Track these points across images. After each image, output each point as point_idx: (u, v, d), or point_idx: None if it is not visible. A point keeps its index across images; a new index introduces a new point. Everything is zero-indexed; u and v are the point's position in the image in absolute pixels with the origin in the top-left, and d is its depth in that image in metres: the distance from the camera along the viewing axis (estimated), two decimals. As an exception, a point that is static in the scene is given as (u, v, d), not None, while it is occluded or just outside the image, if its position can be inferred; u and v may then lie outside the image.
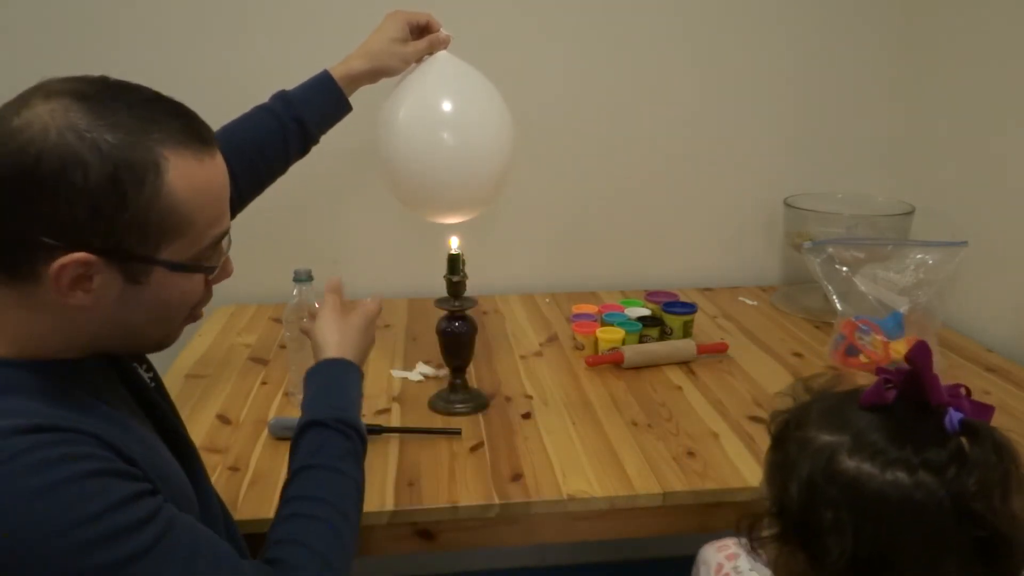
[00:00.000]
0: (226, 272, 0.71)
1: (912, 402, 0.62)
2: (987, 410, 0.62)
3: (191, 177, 0.62)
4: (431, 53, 1.14)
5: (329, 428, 0.78)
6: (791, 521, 0.63)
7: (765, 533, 0.66)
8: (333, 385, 0.85)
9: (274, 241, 1.56)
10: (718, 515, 0.99)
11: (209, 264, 0.67)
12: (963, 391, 0.63)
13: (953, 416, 0.60)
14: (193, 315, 0.70)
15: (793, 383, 0.73)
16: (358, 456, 0.79)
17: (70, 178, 0.56)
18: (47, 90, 0.59)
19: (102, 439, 0.59)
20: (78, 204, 0.57)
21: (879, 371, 0.65)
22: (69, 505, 0.54)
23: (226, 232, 0.68)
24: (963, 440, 0.60)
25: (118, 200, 0.58)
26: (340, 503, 0.74)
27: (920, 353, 0.62)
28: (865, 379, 0.67)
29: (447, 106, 1.10)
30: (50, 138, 0.56)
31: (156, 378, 0.80)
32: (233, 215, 1.05)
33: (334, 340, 0.89)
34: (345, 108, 1.13)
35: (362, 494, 0.78)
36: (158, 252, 0.62)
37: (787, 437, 0.66)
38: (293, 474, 0.76)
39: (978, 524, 0.57)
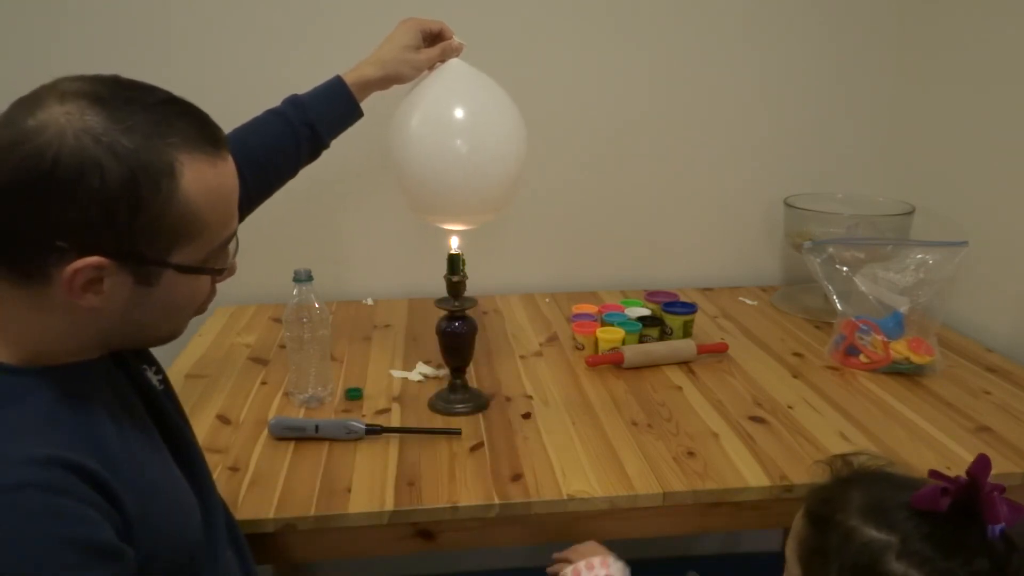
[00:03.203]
0: (230, 271, 0.71)
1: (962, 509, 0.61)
2: (1018, 509, 0.61)
3: (204, 180, 0.62)
4: (443, 60, 1.14)
5: None
6: None
7: None
8: None
9: (274, 241, 1.56)
10: (718, 515, 0.99)
11: (218, 266, 0.68)
12: (1002, 492, 0.62)
13: (996, 526, 0.60)
14: (199, 310, 0.71)
15: (831, 457, 0.74)
16: None
17: (87, 182, 0.56)
18: (61, 91, 0.59)
19: (97, 477, 0.58)
20: (94, 208, 0.57)
21: (933, 475, 0.64)
22: (41, 566, 0.53)
23: (234, 233, 0.69)
24: (1001, 547, 0.60)
25: (134, 204, 0.58)
26: None
27: (981, 468, 0.61)
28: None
29: (460, 113, 1.10)
30: (67, 142, 0.56)
31: (165, 380, 0.80)
32: (242, 218, 1.06)
33: None
34: (357, 114, 1.13)
35: None
36: (169, 255, 0.62)
37: (828, 520, 0.66)
38: None
39: None
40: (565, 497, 0.95)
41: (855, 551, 0.62)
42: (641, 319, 1.38)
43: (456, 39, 1.15)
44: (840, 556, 0.62)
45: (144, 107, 0.60)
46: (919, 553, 0.60)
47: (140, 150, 0.58)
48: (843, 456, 0.73)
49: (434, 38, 1.14)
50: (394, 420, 1.13)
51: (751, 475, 0.99)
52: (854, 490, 0.67)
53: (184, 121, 0.62)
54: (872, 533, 0.62)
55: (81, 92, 0.59)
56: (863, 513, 0.64)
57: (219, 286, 0.71)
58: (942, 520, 0.61)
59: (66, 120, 0.57)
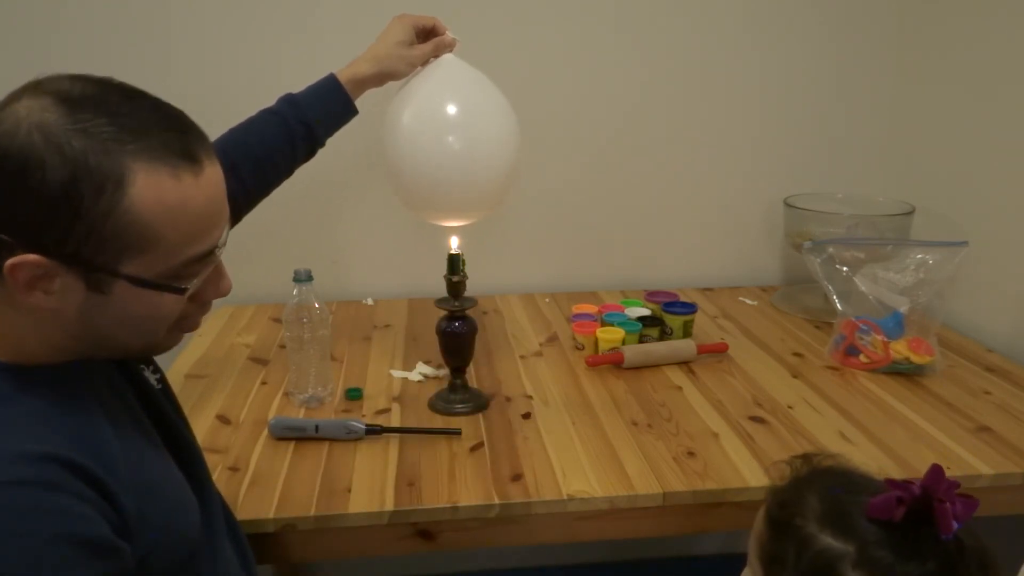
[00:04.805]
0: (220, 290, 0.69)
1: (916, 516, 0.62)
2: (972, 505, 0.62)
3: (161, 194, 0.58)
4: (437, 56, 1.15)
5: None
6: None
7: None
8: None
9: (274, 241, 1.56)
10: (718, 515, 0.98)
11: (181, 284, 0.63)
12: (955, 490, 0.63)
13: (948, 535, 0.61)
14: (184, 327, 0.68)
15: (791, 457, 0.74)
16: None
17: (28, 178, 0.55)
18: (39, 87, 0.58)
19: (92, 474, 0.58)
20: (34, 206, 0.56)
21: (890, 483, 0.65)
22: (35, 562, 0.53)
23: (209, 252, 0.64)
24: (953, 547, 0.61)
25: (73, 207, 0.56)
26: None
27: (935, 480, 0.62)
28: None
29: (452, 109, 1.10)
30: (19, 136, 0.55)
31: (163, 380, 0.80)
32: (239, 218, 1.07)
33: None
34: (351, 112, 1.13)
35: None
36: (119, 265, 0.59)
37: (786, 525, 0.66)
38: None
39: None
40: (565, 497, 0.95)
41: (811, 558, 0.63)
42: (641, 319, 1.38)
43: (449, 34, 1.15)
44: (797, 563, 0.63)
45: (112, 112, 0.58)
46: (874, 561, 0.61)
47: (89, 153, 0.56)
48: (804, 456, 0.74)
49: (427, 34, 1.14)
50: (394, 420, 1.13)
51: (751, 475, 0.99)
52: (812, 494, 0.67)
53: (157, 129, 0.59)
54: (828, 541, 0.63)
55: (55, 90, 0.58)
56: (820, 520, 0.64)
57: None
58: (897, 526, 0.62)
59: (25, 114, 0.56)
